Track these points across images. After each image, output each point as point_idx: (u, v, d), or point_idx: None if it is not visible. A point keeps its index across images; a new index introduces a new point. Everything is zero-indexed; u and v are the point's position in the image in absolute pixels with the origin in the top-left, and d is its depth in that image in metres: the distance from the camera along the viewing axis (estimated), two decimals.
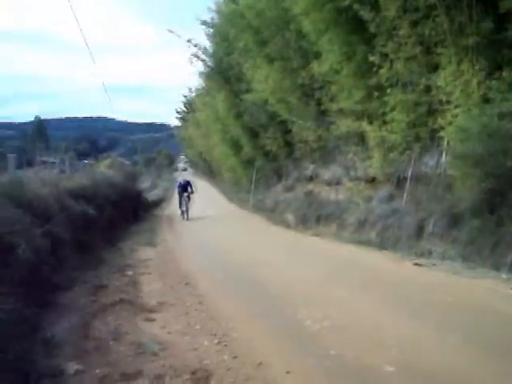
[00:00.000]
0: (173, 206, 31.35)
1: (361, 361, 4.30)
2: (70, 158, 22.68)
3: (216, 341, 5.05)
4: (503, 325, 5.16)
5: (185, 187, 21.00)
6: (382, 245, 11.09)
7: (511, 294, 6.48)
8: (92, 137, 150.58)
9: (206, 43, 29.29)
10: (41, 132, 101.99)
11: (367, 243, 11.51)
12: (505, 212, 8.44)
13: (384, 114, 12.71)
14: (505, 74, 9.19)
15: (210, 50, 28.53)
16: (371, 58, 12.19)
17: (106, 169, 27.98)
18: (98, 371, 4.33)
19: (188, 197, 20.56)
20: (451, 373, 3.98)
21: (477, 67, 9.72)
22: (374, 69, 12.35)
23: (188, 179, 23.45)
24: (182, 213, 20.60)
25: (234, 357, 4.58)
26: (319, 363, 4.29)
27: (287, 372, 4.15)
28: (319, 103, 17.12)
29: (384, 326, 5.25)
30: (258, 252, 11.01)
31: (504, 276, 7.32)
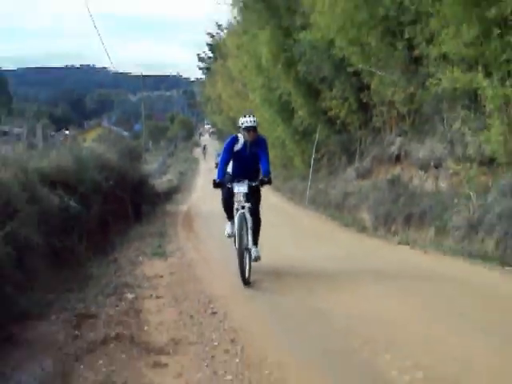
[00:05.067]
0: (193, 198, 31.60)
1: None
2: (44, 126, 23.01)
3: None
4: None
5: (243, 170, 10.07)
6: (503, 258, 10.93)
7: None
8: (75, 96, 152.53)
9: None
10: (1, 88, 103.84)
11: (482, 256, 11.35)
12: None
13: (509, 61, 12.50)
14: None
15: None
16: None
17: (94, 143, 28.39)
18: None
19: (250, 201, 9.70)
20: None
21: None
22: None
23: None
24: (232, 234, 10.35)
25: None
26: None
27: None
28: (410, 46, 16.95)
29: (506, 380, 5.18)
30: (314, 270, 10.97)
31: None
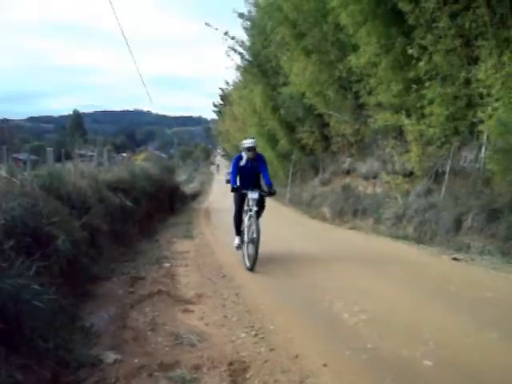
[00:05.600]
0: (210, 199, 31.65)
1: (398, 354, 4.26)
2: (108, 151, 22.97)
3: (253, 333, 5.08)
4: None
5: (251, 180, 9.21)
6: (419, 239, 10.99)
7: None
8: (129, 130, 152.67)
9: (244, 36, 29.37)
10: (78, 125, 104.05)
11: (404, 238, 11.41)
12: None
13: (422, 107, 12.55)
14: None
15: (247, 43, 28.59)
16: (410, 51, 12.08)
17: (142, 162, 28.35)
18: (136, 361, 4.39)
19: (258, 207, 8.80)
20: (489, 369, 3.91)
21: None
22: (413, 61, 12.24)
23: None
24: (240, 246, 9.16)
25: (271, 349, 4.59)
26: (356, 356, 4.28)
27: (324, 365, 4.14)
28: (357, 96, 17.01)
29: (422, 320, 5.19)
30: (293, 244, 11.03)
31: None
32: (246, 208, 8.89)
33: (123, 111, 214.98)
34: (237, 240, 9.24)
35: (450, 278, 7.25)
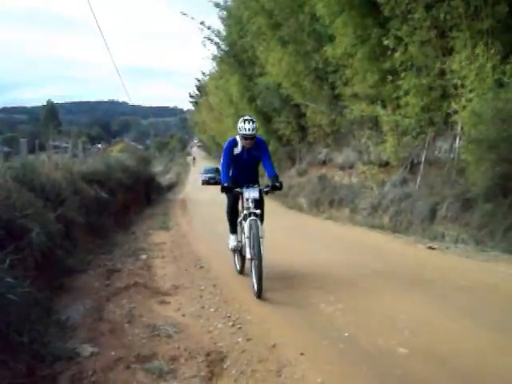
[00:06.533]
0: (186, 190, 31.56)
1: (374, 343, 4.31)
2: (83, 142, 22.73)
3: (230, 323, 5.09)
4: None
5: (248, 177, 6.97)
6: (395, 228, 11.13)
7: None
8: (104, 121, 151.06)
9: (220, 26, 29.29)
10: (53, 116, 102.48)
11: (380, 227, 11.53)
12: None
13: (398, 98, 12.66)
14: None
15: (224, 33, 28.47)
16: (385, 42, 12.13)
17: (118, 153, 28.14)
18: (113, 353, 4.38)
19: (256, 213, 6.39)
20: (463, 356, 3.98)
21: (491, 51, 9.68)
22: (389, 52, 12.30)
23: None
24: (237, 248, 7.19)
25: (248, 339, 4.61)
26: (333, 345, 4.32)
27: (301, 354, 4.18)
28: (333, 87, 17.07)
29: (397, 308, 5.25)
30: (271, 235, 11.02)
31: None
32: (245, 212, 6.44)
33: (98, 102, 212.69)
34: (232, 240, 7.13)
35: (425, 266, 7.36)
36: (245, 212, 6.43)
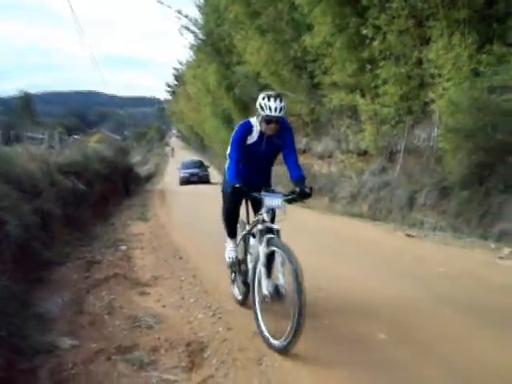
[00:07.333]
0: (165, 180, 31.42)
1: (354, 330, 4.37)
2: (60, 133, 22.47)
3: (211, 313, 5.11)
4: (492, 293, 5.26)
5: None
6: (374, 217, 11.24)
7: (499, 263, 6.66)
8: (81, 111, 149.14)
9: (197, 14, 29.12)
10: (28, 107, 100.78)
11: (360, 215, 11.65)
12: (493, 184, 8.68)
13: (376, 87, 12.74)
14: (495, 47, 9.32)
15: (201, 22, 28.29)
16: (364, 31, 12.19)
17: (95, 144, 27.90)
18: (93, 345, 4.38)
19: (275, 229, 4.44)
20: (441, 341, 4.06)
21: (468, 41, 9.80)
22: (367, 41, 12.38)
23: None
24: (235, 261, 5.31)
25: (229, 328, 4.64)
26: (313, 333, 4.35)
27: None
28: (312, 76, 17.06)
29: (376, 295, 5.32)
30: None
31: (492, 245, 7.53)
32: (259, 227, 4.50)
33: (75, 92, 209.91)
34: (231, 248, 5.33)
35: (403, 254, 7.47)
36: (259, 227, 4.48)
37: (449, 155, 9.97)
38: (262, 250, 4.32)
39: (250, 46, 19.56)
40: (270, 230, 4.42)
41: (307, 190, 4.67)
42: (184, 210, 15.03)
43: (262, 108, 4.48)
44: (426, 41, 11.22)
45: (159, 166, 49.25)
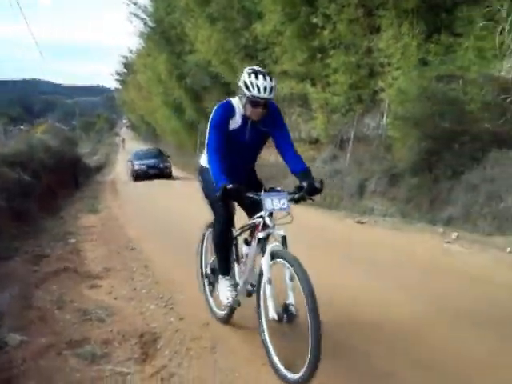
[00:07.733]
0: (117, 170, 30.98)
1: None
2: (4, 123, 21.86)
3: (163, 304, 5.11)
4: (440, 276, 5.47)
5: None
6: (325, 204, 11.35)
7: (447, 247, 6.91)
8: (25, 101, 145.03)
9: (147, 1, 28.72)
10: None
11: (310, 203, 11.72)
12: (441, 171, 8.95)
13: (327, 76, 12.87)
14: (443, 37, 9.57)
15: (150, 9, 27.90)
16: (314, 20, 12.29)
17: (42, 135, 27.28)
18: (43, 340, 4.30)
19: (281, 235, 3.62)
20: (388, 322, 4.23)
21: (416, 30, 10.03)
22: (317, 30, 12.48)
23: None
24: (233, 303, 4.13)
25: (181, 318, 4.65)
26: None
27: (235, 330, 4.27)
28: (263, 65, 17.07)
29: (326, 282, 5.40)
30: (199, 214, 11.03)
31: (440, 230, 7.76)
32: (260, 235, 3.67)
33: (18, 81, 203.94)
34: (226, 288, 4.15)
35: (353, 240, 7.63)
36: (260, 235, 3.65)
37: (398, 143, 10.21)
38: (266, 264, 3.47)
39: (201, 35, 19.44)
40: (267, 237, 3.64)
41: (317, 185, 3.78)
42: (136, 201, 14.91)
43: (247, 87, 3.62)
44: (375, 30, 11.40)
45: (109, 156, 48.51)
